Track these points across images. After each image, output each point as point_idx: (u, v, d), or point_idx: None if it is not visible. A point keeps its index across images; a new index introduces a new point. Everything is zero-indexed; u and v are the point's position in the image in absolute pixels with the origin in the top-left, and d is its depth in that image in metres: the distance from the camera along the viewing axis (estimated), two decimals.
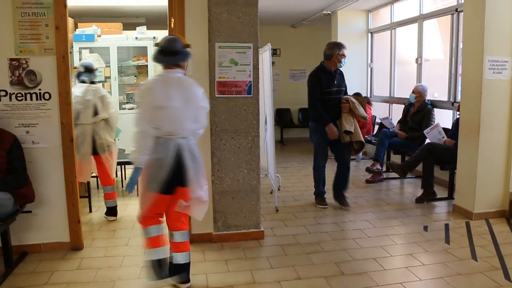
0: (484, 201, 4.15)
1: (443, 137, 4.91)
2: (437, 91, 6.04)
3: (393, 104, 7.02)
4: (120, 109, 6.18)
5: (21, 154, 3.13)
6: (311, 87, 4.41)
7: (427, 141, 5.18)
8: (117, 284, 2.89)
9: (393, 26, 6.90)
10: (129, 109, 6.31)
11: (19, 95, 3.23)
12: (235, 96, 3.49)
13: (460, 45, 5.09)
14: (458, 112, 4.84)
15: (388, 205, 4.67)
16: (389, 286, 2.86)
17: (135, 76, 6.58)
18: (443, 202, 4.72)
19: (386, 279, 2.96)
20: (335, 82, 4.42)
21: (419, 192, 4.88)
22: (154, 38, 6.31)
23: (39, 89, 3.24)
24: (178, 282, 2.80)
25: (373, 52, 7.72)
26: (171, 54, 2.66)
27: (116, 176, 5.22)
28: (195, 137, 2.76)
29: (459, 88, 5.23)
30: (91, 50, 6.21)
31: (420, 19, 6.08)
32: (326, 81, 4.37)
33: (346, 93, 4.57)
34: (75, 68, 4.32)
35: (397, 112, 6.57)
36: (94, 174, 4.43)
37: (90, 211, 4.45)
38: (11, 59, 3.19)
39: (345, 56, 4.42)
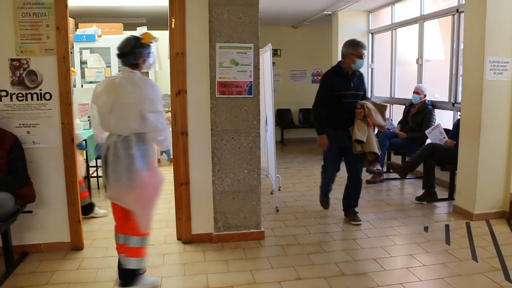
0: (484, 202, 4.15)
1: (444, 138, 4.93)
2: (437, 91, 6.03)
3: (393, 105, 7.02)
4: None
5: (22, 154, 3.13)
6: (319, 88, 4.03)
7: (428, 141, 5.18)
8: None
9: (394, 26, 6.89)
10: None
11: (20, 95, 3.23)
12: (235, 97, 3.49)
13: (461, 46, 5.09)
14: (459, 113, 4.84)
15: (388, 206, 4.67)
16: (390, 286, 2.86)
17: None
18: (444, 203, 4.71)
19: (387, 279, 2.96)
20: (352, 85, 3.94)
21: (420, 192, 4.87)
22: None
23: (40, 89, 3.25)
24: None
25: (373, 52, 7.71)
26: (121, 55, 2.73)
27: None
28: (154, 138, 2.71)
29: (459, 89, 5.22)
30: (92, 51, 6.22)
31: (421, 19, 6.08)
32: (340, 83, 3.91)
33: (364, 97, 4.09)
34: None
35: (398, 112, 6.57)
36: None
37: None
38: (12, 59, 3.19)
39: (363, 57, 3.90)
